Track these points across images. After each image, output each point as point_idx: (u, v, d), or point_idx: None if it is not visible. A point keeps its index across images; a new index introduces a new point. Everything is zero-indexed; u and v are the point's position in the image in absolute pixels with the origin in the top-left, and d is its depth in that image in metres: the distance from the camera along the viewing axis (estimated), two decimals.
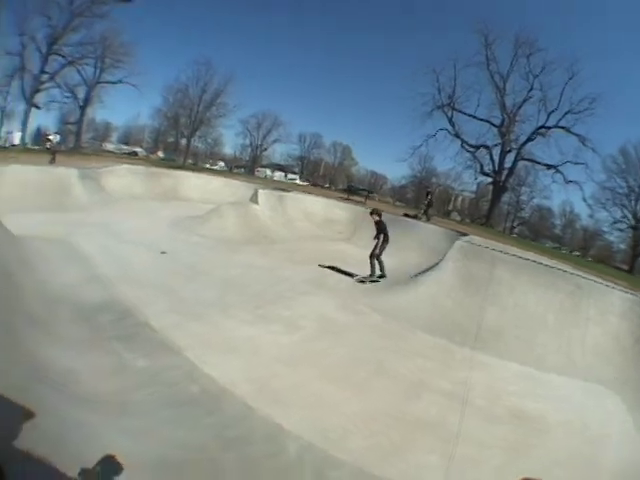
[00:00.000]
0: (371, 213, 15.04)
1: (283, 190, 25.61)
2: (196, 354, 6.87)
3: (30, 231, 11.39)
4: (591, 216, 62.25)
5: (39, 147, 52.25)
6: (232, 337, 8.02)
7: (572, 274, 11.53)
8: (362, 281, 13.85)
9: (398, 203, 66.17)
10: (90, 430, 4.28)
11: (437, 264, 13.94)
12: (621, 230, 59.32)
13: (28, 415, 3.67)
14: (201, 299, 9.67)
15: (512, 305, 11.07)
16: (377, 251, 14.20)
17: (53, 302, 7.55)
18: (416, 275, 13.97)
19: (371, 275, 14.09)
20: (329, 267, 14.48)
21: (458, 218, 63.52)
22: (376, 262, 14.22)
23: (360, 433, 5.87)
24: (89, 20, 57.80)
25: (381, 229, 14.53)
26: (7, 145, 53.17)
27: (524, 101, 56.20)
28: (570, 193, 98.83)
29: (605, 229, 63.21)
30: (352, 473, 4.85)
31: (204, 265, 12.49)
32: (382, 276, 14.29)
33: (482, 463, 5.71)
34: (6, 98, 59.51)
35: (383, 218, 14.69)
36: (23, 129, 56.53)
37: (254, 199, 20.79)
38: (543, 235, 75.28)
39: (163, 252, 12.61)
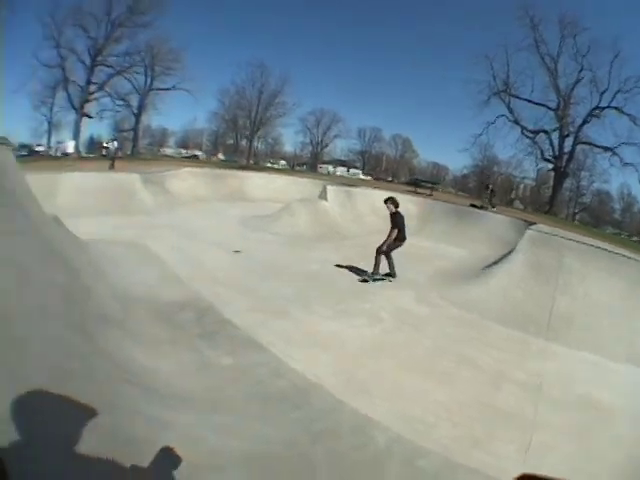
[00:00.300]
0: (386, 201, 12.87)
1: (350, 185, 25.62)
2: (281, 350, 6.90)
3: (98, 235, 11.54)
4: None
5: (94, 155, 53.45)
6: (315, 332, 8.08)
7: (637, 260, 11.32)
8: (365, 280, 12.05)
9: (461, 193, 65.54)
10: (180, 429, 4.27)
11: (507, 255, 13.73)
12: None
13: (109, 416, 3.66)
14: (281, 296, 9.76)
15: (582, 294, 10.77)
16: (384, 247, 12.31)
17: (131, 303, 7.59)
18: (487, 267, 13.81)
19: (374, 273, 12.20)
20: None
21: (521, 207, 62.35)
22: (382, 258, 12.38)
23: (444, 423, 5.89)
24: (131, 30, 58.73)
25: (396, 223, 12.47)
26: (59, 154, 54.62)
27: (576, 82, 54.49)
28: (627, 176, 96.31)
29: None
30: (439, 462, 4.80)
31: (279, 262, 12.62)
32: (389, 275, 12.58)
33: (556, 450, 5.68)
34: (51, 109, 61.20)
35: (401, 209, 12.89)
36: (76, 138, 57.72)
37: (323, 195, 20.88)
38: (604, 221, 73.62)
39: (237, 251, 12.74)
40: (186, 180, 25.39)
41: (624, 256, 11.58)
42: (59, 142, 62.82)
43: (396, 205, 12.82)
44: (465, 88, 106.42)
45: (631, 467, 5.55)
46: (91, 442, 2.97)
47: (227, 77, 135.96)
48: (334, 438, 4.89)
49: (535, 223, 17.92)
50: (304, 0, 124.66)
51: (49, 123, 63.06)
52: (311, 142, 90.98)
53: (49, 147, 62.75)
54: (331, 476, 4.22)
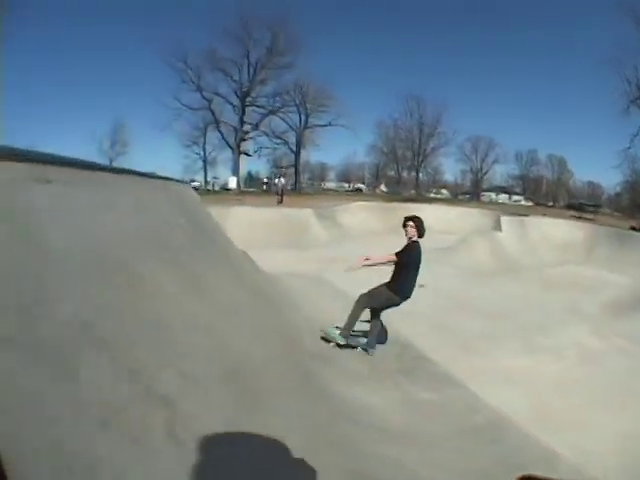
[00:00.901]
0: (407, 221, 8.44)
1: (521, 215, 25.30)
2: (476, 385, 6.82)
3: (279, 268, 11.88)
4: None
5: (254, 190, 55.88)
6: (505, 367, 8.07)
7: None
8: (338, 344, 7.59)
9: (616, 213, 62.39)
10: (394, 462, 4.36)
11: None
12: None
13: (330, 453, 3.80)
14: (469, 330, 9.80)
15: None
16: (373, 302, 8.16)
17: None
18: None
19: (343, 334, 7.68)
20: None
21: None
22: (363, 313, 8.04)
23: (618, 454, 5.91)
24: (275, 71, 60.90)
25: (408, 258, 8.19)
26: (216, 189, 57.69)
27: None
28: None
29: None
30: None
31: (463, 296, 12.57)
32: (364, 342, 7.97)
33: None
34: (204, 148, 65.24)
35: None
36: (236, 174, 60.34)
37: (497, 226, 20.71)
38: None
39: (421, 285, 12.73)
40: (357, 214, 25.93)
41: None
42: (215, 178, 67.48)
43: (420, 231, 8.29)
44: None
45: None
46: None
47: (382, 109, 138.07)
48: (524, 470, 4.66)
49: None
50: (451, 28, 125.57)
51: (204, 161, 68.88)
52: (471, 169, 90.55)
53: (206, 182, 67.83)
54: None
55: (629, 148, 56.06)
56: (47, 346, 2.16)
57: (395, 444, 4.84)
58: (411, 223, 8.24)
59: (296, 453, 3.18)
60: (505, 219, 21.35)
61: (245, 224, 17.76)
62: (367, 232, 23.57)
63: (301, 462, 3.12)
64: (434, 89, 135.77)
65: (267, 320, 5.74)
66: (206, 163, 68.87)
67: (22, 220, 2.49)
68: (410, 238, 8.24)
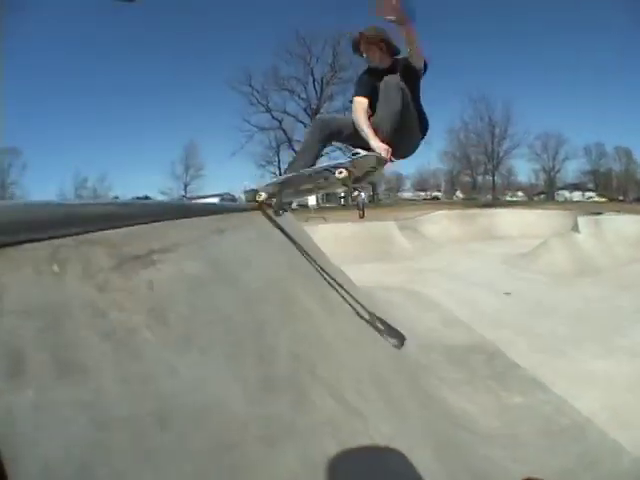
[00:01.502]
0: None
1: (596, 213, 25.15)
2: (562, 388, 7.30)
3: (368, 282, 12.35)
4: None
5: (331, 205, 56.26)
6: (587, 370, 8.31)
7: None
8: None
9: None
10: (494, 463, 5.00)
11: None
12: None
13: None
14: (555, 335, 10.07)
15: None
16: None
17: (427, 347, 8.44)
18: None
19: None
20: None
21: None
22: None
23: None
24: (340, 87, 60.93)
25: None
26: (295, 207, 58.60)
27: None
28: None
29: None
30: None
31: (547, 302, 12.75)
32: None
33: None
34: (279, 166, 65.79)
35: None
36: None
37: (575, 228, 20.76)
38: None
39: (507, 293, 13.25)
40: (438, 223, 26.17)
41: None
42: None
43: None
44: None
45: None
46: None
47: (452, 113, 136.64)
48: (599, 466, 5.35)
49: None
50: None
51: None
52: (543, 169, 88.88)
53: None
54: None
55: None
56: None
57: (491, 444, 5.45)
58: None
59: (416, 452, 3.65)
60: (582, 219, 21.31)
61: (331, 240, 18.03)
62: (449, 240, 23.93)
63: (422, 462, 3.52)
64: (500, 88, 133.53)
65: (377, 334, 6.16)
66: None
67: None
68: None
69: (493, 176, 73.60)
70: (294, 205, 59.31)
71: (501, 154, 72.10)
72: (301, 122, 61.73)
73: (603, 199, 76.92)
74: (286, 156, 65.26)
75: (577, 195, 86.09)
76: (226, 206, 4.94)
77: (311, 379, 3.11)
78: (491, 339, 9.48)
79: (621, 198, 79.90)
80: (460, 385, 7.22)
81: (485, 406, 6.60)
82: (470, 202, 55.90)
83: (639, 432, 6.31)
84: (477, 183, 78.96)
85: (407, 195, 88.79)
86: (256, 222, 4.89)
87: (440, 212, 28.54)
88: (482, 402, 6.73)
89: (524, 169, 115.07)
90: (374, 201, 60.21)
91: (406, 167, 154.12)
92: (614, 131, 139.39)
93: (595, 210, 29.37)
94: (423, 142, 5.89)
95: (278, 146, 66.17)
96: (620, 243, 20.60)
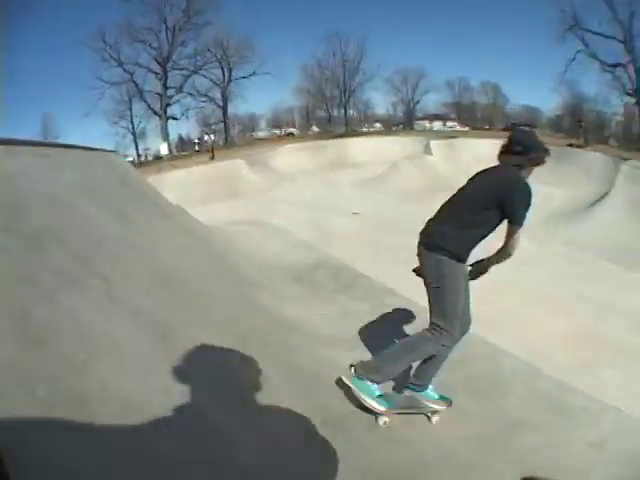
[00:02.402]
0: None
1: (452, 137, 25.59)
2: (410, 293, 7.19)
3: (220, 220, 12.26)
4: None
5: (187, 152, 55.34)
6: None
7: None
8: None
9: (558, 134, 63.67)
10: (329, 361, 5.10)
11: (607, 192, 14.19)
12: None
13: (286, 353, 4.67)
14: (398, 247, 9.66)
15: None
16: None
17: (270, 269, 8.34)
18: (590, 206, 13.90)
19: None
20: None
21: (616, 144, 59.56)
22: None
23: (560, 351, 6.84)
24: (193, 31, 59.71)
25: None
26: (150, 159, 57.01)
27: (631, 16, 51.17)
28: None
29: None
30: (554, 385, 5.26)
31: (396, 219, 13.05)
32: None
33: None
34: (132, 121, 63.79)
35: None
36: (167, 140, 59.31)
37: (427, 150, 20.97)
38: None
39: (355, 213, 13.13)
40: (289, 155, 26.05)
41: None
42: (146, 149, 66.00)
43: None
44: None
45: None
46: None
47: (307, 51, 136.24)
48: (469, 365, 5.44)
49: (630, 159, 18.08)
50: None
51: (133, 134, 66.10)
52: (402, 100, 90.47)
53: (138, 155, 64.90)
54: (466, 394, 4.84)
55: (565, 72, 57.60)
56: None
57: (331, 347, 5.48)
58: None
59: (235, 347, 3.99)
60: (434, 143, 21.71)
61: (180, 185, 17.87)
62: (300, 172, 23.66)
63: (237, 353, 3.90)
64: (355, 25, 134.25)
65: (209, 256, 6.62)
66: (136, 136, 66.40)
67: None
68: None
69: (345, 109, 74.22)
70: (150, 158, 57.82)
71: (354, 87, 72.84)
72: (153, 72, 59.76)
73: (466, 128, 79.01)
74: (139, 109, 63.34)
75: (438, 125, 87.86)
76: None
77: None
78: (339, 256, 9.51)
79: (487, 127, 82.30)
80: (303, 299, 7.29)
81: (329, 315, 6.70)
82: (325, 134, 56.08)
83: (510, 332, 6.92)
84: (332, 117, 79.39)
85: (262, 134, 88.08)
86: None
87: (290, 145, 28.24)
88: (326, 311, 6.83)
89: (384, 103, 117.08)
90: (227, 143, 59.38)
91: (260, 106, 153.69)
92: (480, 67, 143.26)
93: (452, 136, 29.89)
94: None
95: (130, 99, 63.98)
96: (478, 165, 20.93)
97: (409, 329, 6.14)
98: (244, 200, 16.99)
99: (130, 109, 64.73)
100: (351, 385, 4.17)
